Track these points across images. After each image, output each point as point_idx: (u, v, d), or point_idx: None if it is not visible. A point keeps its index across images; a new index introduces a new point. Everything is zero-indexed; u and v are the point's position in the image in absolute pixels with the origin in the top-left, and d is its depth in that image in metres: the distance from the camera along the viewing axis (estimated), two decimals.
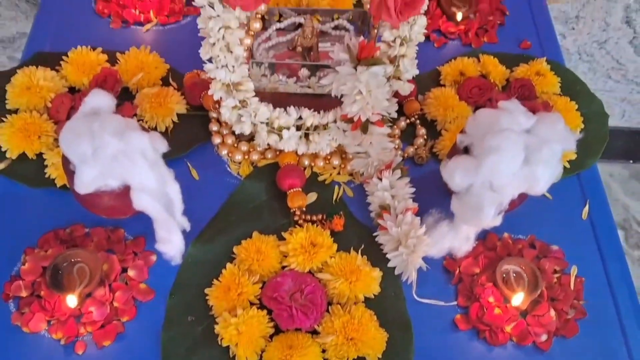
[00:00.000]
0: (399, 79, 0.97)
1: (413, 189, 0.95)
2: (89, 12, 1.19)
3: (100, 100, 0.82)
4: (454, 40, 1.23)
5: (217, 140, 1.03)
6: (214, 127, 1.04)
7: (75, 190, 0.86)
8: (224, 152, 1.02)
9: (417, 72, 0.99)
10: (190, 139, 1.03)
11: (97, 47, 1.09)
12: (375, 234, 0.94)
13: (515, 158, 0.84)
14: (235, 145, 1.03)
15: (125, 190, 0.82)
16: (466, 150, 0.90)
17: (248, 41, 0.91)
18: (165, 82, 1.08)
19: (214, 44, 0.88)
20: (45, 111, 1.01)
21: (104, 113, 0.82)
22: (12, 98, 1.01)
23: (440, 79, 1.14)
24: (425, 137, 1.06)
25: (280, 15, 1.05)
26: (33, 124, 0.97)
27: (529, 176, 0.85)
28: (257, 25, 0.90)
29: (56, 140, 0.98)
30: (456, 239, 0.91)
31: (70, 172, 0.83)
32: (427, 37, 1.19)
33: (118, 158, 0.79)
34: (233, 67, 0.91)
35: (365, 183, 0.98)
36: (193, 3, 0.89)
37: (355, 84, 0.90)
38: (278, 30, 1.04)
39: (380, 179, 0.95)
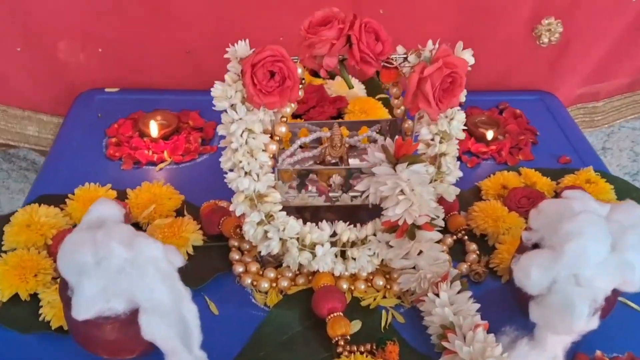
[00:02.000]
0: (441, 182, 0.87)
1: (478, 305, 0.79)
2: (100, 157, 1.13)
3: (107, 209, 0.71)
4: (487, 160, 1.15)
5: (239, 269, 0.89)
6: (235, 255, 0.91)
7: (72, 323, 0.71)
8: (247, 281, 0.88)
9: (460, 174, 0.90)
10: (207, 270, 0.89)
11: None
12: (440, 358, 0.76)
13: (601, 242, 0.70)
14: (261, 273, 0.89)
15: (132, 318, 0.67)
16: (535, 248, 0.76)
17: (273, 147, 0.82)
18: (179, 214, 0.98)
19: (236, 149, 0.80)
20: (45, 249, 0.89)
21: (111, 223, 0.70)
22: (9, 237, 0.89)
23: (481, 194, 1.04)
24: (477, 252, 0.92)
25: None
26: (30, 260, 0.85)
27: (621, 265, 0.70)
28: (282, 129, 0.82)
29: (54, 279, 0.85)
30: (542, 358, 0.73)
31: (67, 299, 0.69)
32: (459, 159, 1.11)
33: (125, 270, 0.65)
34: (257, 175, 0.81)
35: (419, 302, 0.83)
36: (217, 130, 0.81)
37: (397, 182, 0.80)
38: (303, 146, 0.96)
39: (437, 295, 0.80)
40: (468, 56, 0.80)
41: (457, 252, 0.93)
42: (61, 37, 1.27)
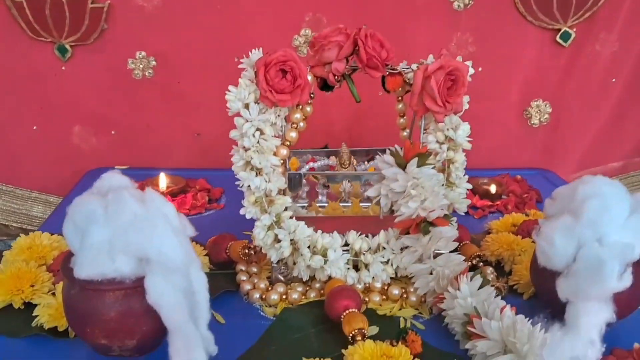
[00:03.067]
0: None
1: (503, 302, 0.74)
2: None
3: (118, 179, 0.70)
4: (494, 213, 1.15)
5: (247, 287, 0.85)
6: (242, 277, 0.87)
7: (70, 301, 0.66)
8: (255, 295, 0.83)
9: (470, 186, 0.90)
10: (213, 288, 0.84)
11: None
12: (465, 346, 0.70)
13: (620, 201, 0.69)
14: (270, 288, 0.84)
15: (137, 289, 0.63)
16: None
17: (284, 151, 0.83)
18: None
19: (248, 148, 0.81)
20: (45, 266, 0.85)
21: (121, 188, 0.68)
22: (9, 257, 0.86)
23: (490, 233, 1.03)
24: (494, 273, 0.89)
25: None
26: (28, 272, 0.81)
27: None
28: (293, 135, 0.84)
29: (52, 293, 0.80)
30: (578, 343, 0.67)
31: (69, 271, 0.65)
32: (466, 213, 1.12)
33: (135, 224, 0.63)
34: (269, 175, 0.81)
35: (439, 302, 0.78)
36: (230, 135, 0.84)
37: (407, 178, 0.80)
38: (310, 172, 0.97)
39: (458, 288, 0.75)
40: (468, 64, 0.85)
41: None
42: (76, 121, 1.34)
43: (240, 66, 0.84)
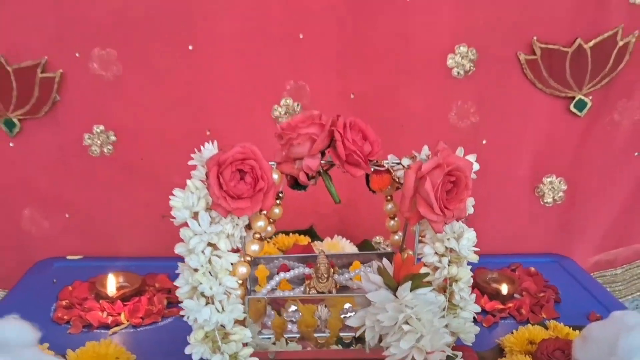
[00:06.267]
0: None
1: None
2: (45, 320, 0.94)
3: (14, 331, 0.53)
4: (505, 319, 0.97)
5: None
6: None
7: None
8: None
9: (478, 308, 0.73)
10: None
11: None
12: None
13: None
14: None
15: None
16: None
17: (243, 270, 0.66)
18: None
19: (196, 269, 0.64)
20: None
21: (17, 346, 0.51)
22: None
23: (504, 353, 0.85)
24: None
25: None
26: None
27: None
28: (255, 247, 0.68)
29: None
30: None
31: None
32: (474, 319, 0.94)
33: None
34: (222, 303, 0.64)
35: None
36: (175, 249, 0.68)
37: (400, 308, 0.63)
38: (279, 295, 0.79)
39: None
40: (472, 159, 0.69)
41: None
42: (25, 203, 1.18)
43: (190, 162, 0.68)
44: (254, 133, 1.16)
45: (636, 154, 1.21)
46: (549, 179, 1.22)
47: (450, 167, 0.65)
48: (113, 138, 1.14)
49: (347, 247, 1.13)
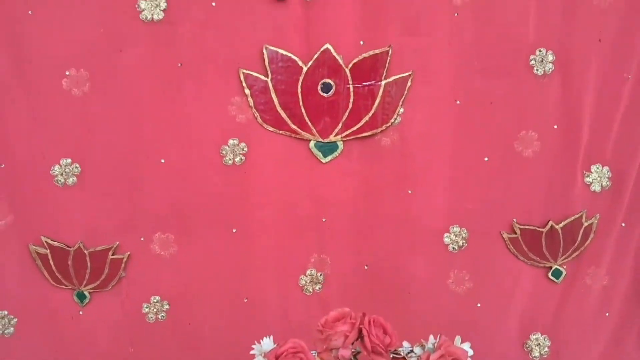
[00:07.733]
0: None
1: None
2: None
3: None
4: None
5: None
6: None
7: None
8: None
9: None
10: None
11: None
12: None
13: None
14: None
15: None
16: None
17: None
18: None
19: None
20: None
21: None
22: None
23: None
24: None
25: None
26: None
27: None
28: None
29: None
30: None
31: None
32: None
33: None
34: None
35: None
36: None
37: None
38: None
39: None
40: (467, 347, 0.91)
41: None
42: None
43: (251, 352, 0.90)
44: (281, 302, 1.38)
45: (607, 314, 1.42)
46: (535, 336, 1.43)
47: (452, 357, 0.86)
48: (167, 306, 1.36)
49: None
